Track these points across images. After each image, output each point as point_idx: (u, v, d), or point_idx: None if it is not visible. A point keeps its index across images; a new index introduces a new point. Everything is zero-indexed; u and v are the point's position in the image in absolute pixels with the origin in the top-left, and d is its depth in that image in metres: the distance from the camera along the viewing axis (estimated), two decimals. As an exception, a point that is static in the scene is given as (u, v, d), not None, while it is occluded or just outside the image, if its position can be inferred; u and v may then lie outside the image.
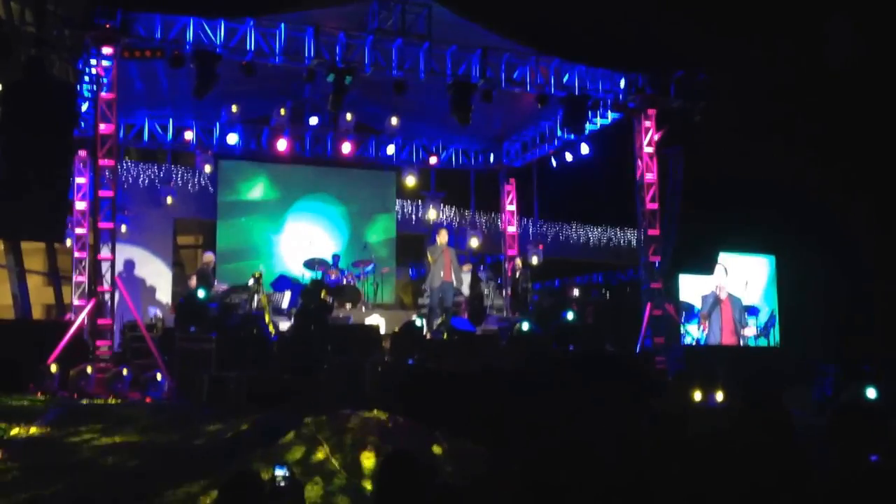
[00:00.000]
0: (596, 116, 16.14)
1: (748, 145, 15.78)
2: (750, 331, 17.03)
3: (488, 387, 11.26)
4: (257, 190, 19.66)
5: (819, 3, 17.04)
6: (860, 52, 16.94)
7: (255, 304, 14.74)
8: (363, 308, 17.14)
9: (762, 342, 17.08)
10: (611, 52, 14.41)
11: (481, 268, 18.16)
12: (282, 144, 18.03)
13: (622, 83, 15.54)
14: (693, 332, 16.46)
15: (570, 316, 14.93)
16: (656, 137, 15.67)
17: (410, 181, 19.67)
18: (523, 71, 14.95)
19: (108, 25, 12.74)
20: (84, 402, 11.09)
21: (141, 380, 12.13)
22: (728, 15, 14.49)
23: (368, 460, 9.17)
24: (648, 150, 15.69)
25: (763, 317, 17.20)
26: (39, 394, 11.27)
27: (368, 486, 8.64)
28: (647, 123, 15.70)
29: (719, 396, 13.28)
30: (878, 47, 17.07)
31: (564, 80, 15.20)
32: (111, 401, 11.38)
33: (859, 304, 17.14)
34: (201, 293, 14.50)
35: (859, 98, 17.44)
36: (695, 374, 13.73)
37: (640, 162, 15.70)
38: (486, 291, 17.52)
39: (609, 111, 15.91)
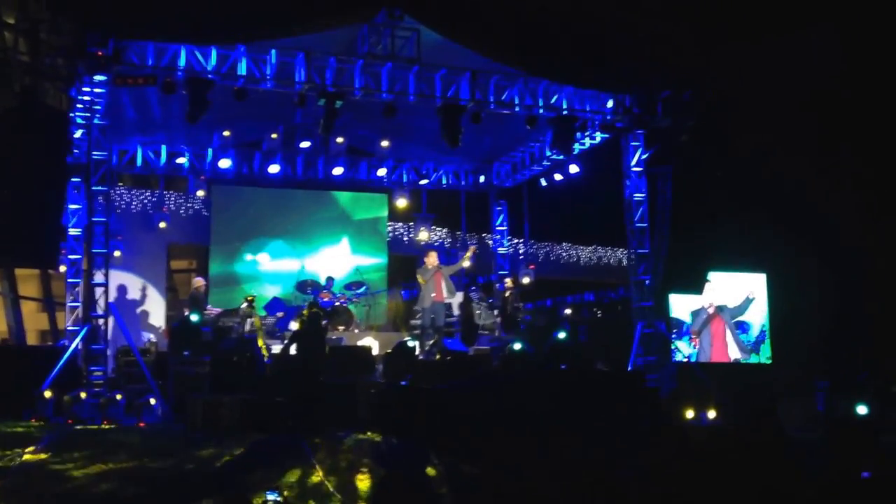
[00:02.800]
0: (584, 137, 16.29)
1: (737, 162, 15.89)
2: (737, 352, 17.11)
3: (481, 405, 11.32)
4: (250, 214, 19.74)
5: (803, 15, 17.20)
6: (843, 65, 17.11)
7: (248, 327, 14.80)
8: (356, 330, 17.22)
9: (753, 358, 17.16)
10: (598, 74, 14.55)
11: (473, 288, 18.24)
12: (274, 168, 18.17)
13: (610, 103, 15.68)
14: (684, 349, 16.54)
15: (561, 335, 15.01)
16: (645, 157, 15.82)
17: (402, 203, 19.82)
18: (512, 93, 15.09)
19: (100, 53, 12.79)
20: (78, 427, 11.13)
21: (135, 405, 12.17)
22: (713, 34, 14.64)
23: (363, 483, 9.23)
24: (637, 169, 15.83)
25: (753, 333, 17.28)
26: (34, 420, 11.32)
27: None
28: (636, 143, 15.83)
29: (712, 414, 13.39)
30: (863, 62, 17.26)
31: (553, 101, 15.34)
32: (105, 426, 11.43)
33: (850, 320, 17.23)
34: (194, 317, 14.57)
35: (849, 112, 17.59)
36: (687, 392, 13.84)
37: (628, 181, 15.84)
38: (477, 312, 17.61)
39: (597, 131, 16.06)
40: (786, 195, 17.27)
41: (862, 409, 11.40)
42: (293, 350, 12.85)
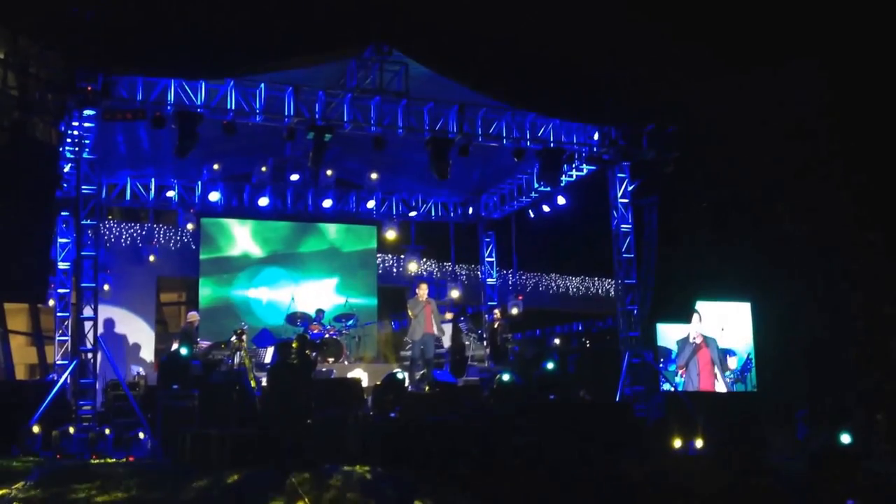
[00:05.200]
0: (571, 168, 16.44)
1: (721, 193, 16.08)
2: (723, 381, 17.19)
3: (470, 438, 11.36)
4: (239, 246, 19.79)
5: (785, 50, 17.45)
6: (826, 96, 17.34)
7: (237, 360, 14.79)
8: (345, 362, 17.22)
9: (739, 387, 17.25)
10: (584, 107, 14.73)
11: (462, 319, 18.30)
12: (263, 201, 18.25)
13: (596, 136, 15.85)
14: (671, 379, 16.61)
15: (550, 365, 15.07)
16: (631, 188, 15.96)
17: (391, 235, 19.90)
18: (499, 125, 15.23)
19: (89, 88, 12.87)
20: (67, 462, 11.10)
21: (124, 439, 12.15)
22: (698, 68, 14.87)
23: (350, 516, 9.23)
24: (623, 200, 15.96)
25: (740, 362, 17.38)
26: (22, 455, 11.28)
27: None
28: (622, 175, 15.98)
29: (699, 443, 13.44)
30: (845, 93, 17.49)
31: (540, 133, 15.50)
32: (94, 461, 11.39)
33: (834, 348, 17.35)
34: (184, 350, 14.57)
35: (832, 143, 17.80)
36: (674, 422, 13.89)
37: (615, 212, 15.97)
38: (467, 343, 17.66)
39: (584, 163, 16.23)
40: (770, 225, 17.44)
41: (846, 438, 11.46)
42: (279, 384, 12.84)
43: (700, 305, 16.31)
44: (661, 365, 16.48)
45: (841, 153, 17.84)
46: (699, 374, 17.06)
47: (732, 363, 17.25)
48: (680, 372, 16.91)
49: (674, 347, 17.02)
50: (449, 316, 17.57)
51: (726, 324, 17.44)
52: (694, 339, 17.06)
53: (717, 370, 17.21)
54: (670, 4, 15.44)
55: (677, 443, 13.25)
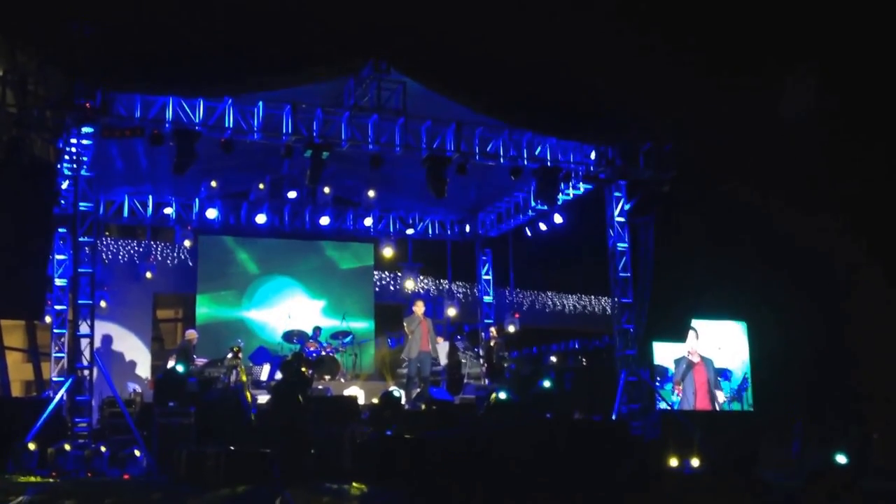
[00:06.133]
0: (568, 187, 16.44)
1: (717, 213, 16.12)
2: (722, 396, 17.19)
3: (465, 456, 11.34)
4: (237, 264, 19.81)
5: (781, 67, 17.53)
6: (819, 105, 17.39)
7: (233, 377, 14.79)
8: (342, 379, 17.21)
9: (735, 406, 17.25)
10: (580, 126, 14.79)
11: (458, 337, 18.31)
12: (261, 218, 18.28)
13: (593, 155, 15.90)
14: (668, 397, 16.61)
15: (546, 384, 15.06)
16: (627, 207, 16.00)
17: (388, 252, 19.93)
18: (497, 144, 15.28)
19: (88, 105, 12.88)
20: (62, 480, 11.06)
21: (119, 456, 12.11)
22: (692, 89, 14.93)
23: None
24: (620, 219, 15.99)
25: (736, 381, 17.38)
26: (17, 472, 11.25)
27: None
28: (618, 194, 16.00)
29: (695, 462, 13.43)
30: (842, 111, 17.56)
31: (537, 152, 15.53)
32: (89, 478, 11.36)
33: (830, 367, 17.36)
34: (180, 368, 14.56)
35: (828, 161, 17.86)
36: (670, 440, 13.89)
37: (612, 231, 15.99)
38: (463, 361, 17.66)
39: (581, 182, 16.28)
40: (766, 244, 17.48)
41: (842, 459, 11.46)
42: (276, 402, 12.85)
43: (697, 324, 16.33)
44: (657, 383, 16.48)
45: (838, 168, 17.89)
46: (696, 393, 17.06)
47: (728, 384, 17.26)
48: (676, 390, 16.91)
49: (671, 366, 17.02)
50: (440, 340, 17.55)
51: (723, 343, 17.46)
52: (691, 356, 17.07)
53: (713, 389, 17.21)
54: (666, 24, 15.51)
55: (673, 461, 13.25)
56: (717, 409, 17.14)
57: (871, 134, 17.50)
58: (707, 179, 15.62)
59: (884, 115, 17.27)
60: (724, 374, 17.30)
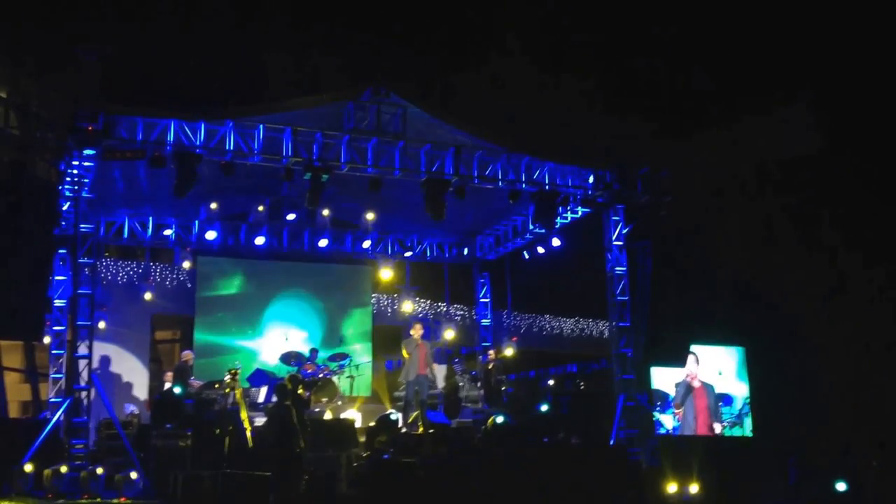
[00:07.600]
0: (566, 211, 16.51)
1: (712, 237, 16.21)
2: (721, 425, 17.15)
3: (463, 480, 11.34)
4: (235, 285, 19.80)
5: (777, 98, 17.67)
6: (818, 140, 17.51)
7: (231, 399, 14.75)
8: (339, 402, 17.17)
9: (736, 431, 17.19)
10: (578, 151, 14.91)
11: (456, 360, 18.30)
12: (260, 240, 18.32)
13: (591, 179, 15.98)
14: (667, 422, 16.56)
15: (544, 407, 15.05)
16: (625, 231, 16.04)
17: (386, 275, 19.94)
18: (495, 168, 15.35)
19: (90, 128, 12.96)
20: (59, 502, 11.04)
21: (116, 479, 12.07)
22: (690, 117, 15.07)
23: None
24: (618, 243, 16.02)
25: (736, 406, 17.33)
26: (14, 495, 11.22)
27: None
28: (616, 218, 16.05)
29: (694, 488, 13.40)
30: (836, 141, 17.69)
31: (535, 176, 15.61)
32: (85, 500, 11.33)
33: (830, 394, 17.36)
34: (177, 389, 14.54)
35: (822, 189, 17.96)
36: (669, 466, 13.85)
37: (609, 255, 16.01)
38: (461, 384, 17.64)
39: (579, 206, 16.32)
40: (761, 272, 17.54)
41: (841, 486, 11.45)
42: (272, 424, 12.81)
43: (697, 349, 16.30)
44: (657, 408, 16.44)
45: (832, 193, 17.98)
46: (696, 418, 17.00)
47: (729, 409, 17.21)
48: (676, 414, 16.86)
49: (671, 391, 16.98)
50: (436, 367, 17.53)
51: (724, 368, 17.43)
52: (690, 381, 17.03)
53: (714, 414, 17.15)
54: (665, 53, 15.68)
55: (672, 487, 13.22)
56: (718, 434, 17.07)
57: (861, 158, 17.64)
58: (703, 206, 15.71)
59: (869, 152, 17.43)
60: (726, 399, 17.25)
